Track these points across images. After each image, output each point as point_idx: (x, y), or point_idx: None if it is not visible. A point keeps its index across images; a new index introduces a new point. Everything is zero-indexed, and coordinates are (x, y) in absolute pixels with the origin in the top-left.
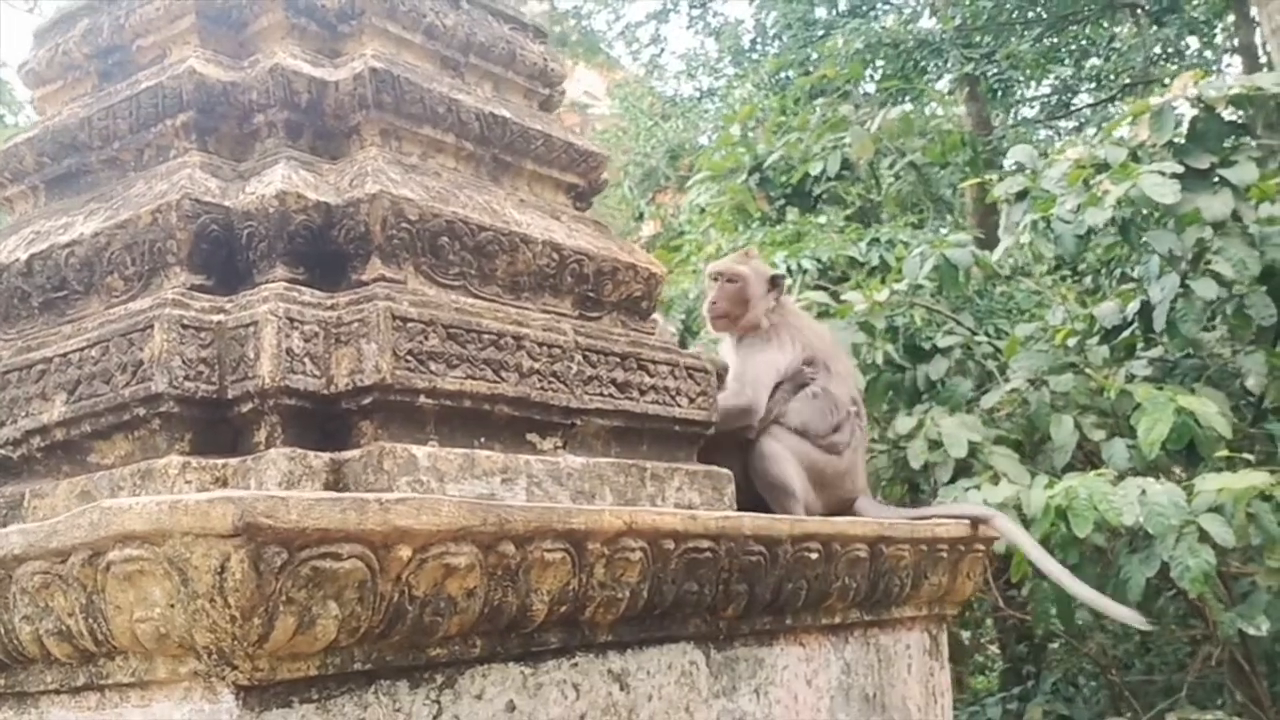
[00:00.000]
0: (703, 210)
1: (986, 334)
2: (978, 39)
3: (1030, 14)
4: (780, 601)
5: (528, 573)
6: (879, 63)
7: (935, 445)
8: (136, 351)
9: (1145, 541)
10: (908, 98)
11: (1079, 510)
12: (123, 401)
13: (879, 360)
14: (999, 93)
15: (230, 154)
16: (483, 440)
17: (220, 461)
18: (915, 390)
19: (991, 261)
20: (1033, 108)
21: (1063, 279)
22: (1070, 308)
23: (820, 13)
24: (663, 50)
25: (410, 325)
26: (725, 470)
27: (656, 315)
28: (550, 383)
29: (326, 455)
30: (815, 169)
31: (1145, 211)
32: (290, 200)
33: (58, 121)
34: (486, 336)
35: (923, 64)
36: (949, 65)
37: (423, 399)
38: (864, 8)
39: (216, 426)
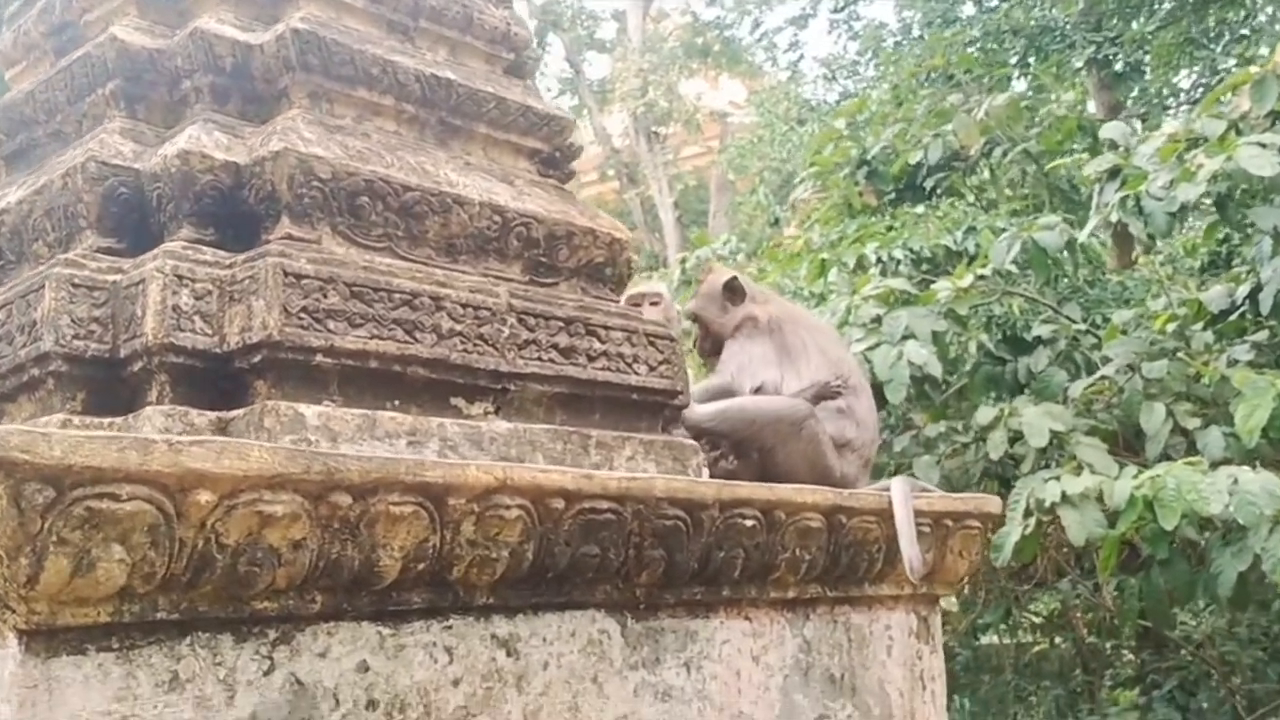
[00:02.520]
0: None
1: (1094, 325)
2: (1106, 23)
3: None
4: (711, 571)
5: (371, 526)
6: (1001, 48)
7: (1019, 437)
8: (31, 312)
9: (1239, 534)
10: (1025, 84)
11: (1166, 501)
12: (20, 362)
13: (972, 350)
14: (1130, 78)
15: (161, 121)
16: (396, 403)
17: (105, 420)
18: (1016, 383)
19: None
20: (1175, 97)
21: (1174, 267)
22: (1177, 293)
23: (966, 10)
24: (801, 56)
25: (306, 282)
26: (691, 442)
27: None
28: (476, 346)
29: (212, 414)
30: (915, 158)
31: (1244, 187)
32: (195, 160)
33: (8, 99)
34: (398, 296)
35: (1047, 50)
36: (1075, 51)
37: (320, 358)
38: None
39: (112, 386)
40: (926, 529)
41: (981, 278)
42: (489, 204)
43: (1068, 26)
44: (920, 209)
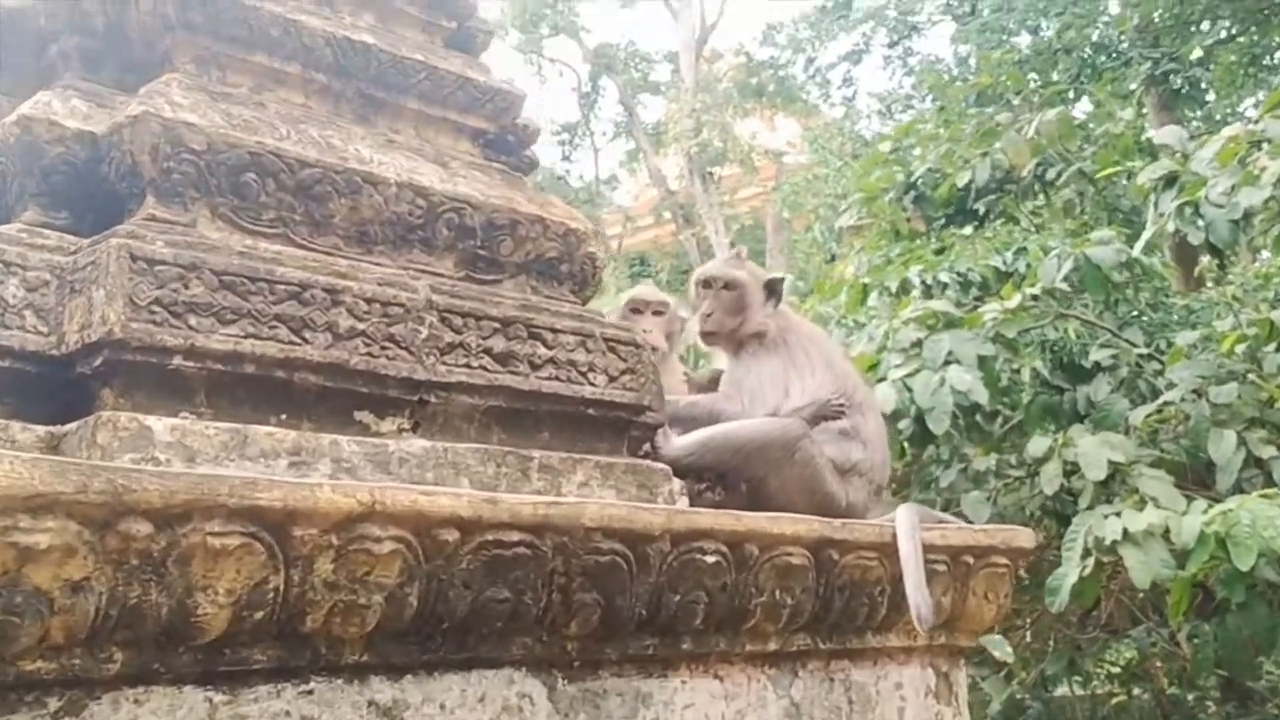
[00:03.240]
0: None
1: (1158, 350)
2: (1163, 39)
3: (1220, 12)
4: (665, 619)
5: (183, 564)
6: (1052, 69)
7: (1076, 470)
8: None
9: None
10: (1079, 104)
11: (1240, 538)
12: None
13: (1025, 377)
14: (1190, 98)
15: (29, 92)
16: (284, 417)
17: None
18: (1076, 413)
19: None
20: (1241, 120)
21: (1243, 289)
22: (1247, 314)
23: (1022, 40)
24: (855, 93)
25: (161, 269)
26: (661, 465)
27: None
28: (385, 349)
29: (42, 428)
30: (963, 179)
31: None
32: (40, 129)
33: None
34: (283, 288)
35: (1101, 69)
36: (1131, 69)
37: (179, 361)
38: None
39: None
40: (942, 567)
41: (1034, 299)
42: (410, 185)
43: (1123, 44)
44: (968, 231)
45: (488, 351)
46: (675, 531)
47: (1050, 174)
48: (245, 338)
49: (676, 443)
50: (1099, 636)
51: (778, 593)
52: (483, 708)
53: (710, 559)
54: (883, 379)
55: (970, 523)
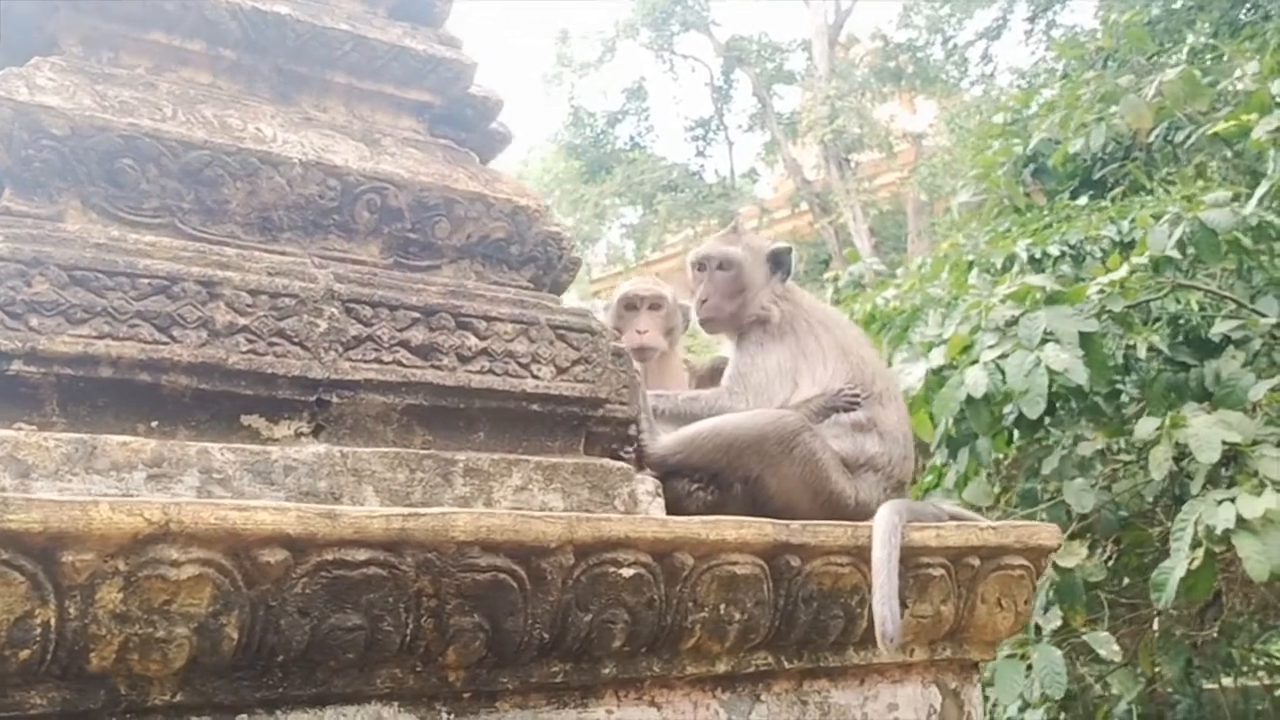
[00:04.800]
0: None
1: None
2: None
3: None
4: (575, 641)
5: None
6: (1185, 28)
7: (1187, 454)
8: None
9: None
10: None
11: None
12: None
13: (1142, 354)
14: None
15: None
16: (154, 424)
17: None
18: (1203, 391)
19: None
20: None
21: None
22: None
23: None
24: (994, 70)
25: None
26: (619, 464)
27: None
28: (274, 345)
29: None
30: (1075, 146)
31: None
32: None
33: None
34: (147, 282)
35: (1238, 24)
36: (1273, 22)
37: (19, 366)
38: None
39: None
40: (939, 571)
41: (1143, 269)
42: (320, 165)
43: None
44: (1082, 201)
45: (404, 344)
46: (579, 542)
47: (1179, 137)
48: (99, 338)
49: (663, 440)
50: (1211, 633)
51: (723, 607)
52: None
53: (627, 572)
54: (975, 362)
55: (1072, 512)
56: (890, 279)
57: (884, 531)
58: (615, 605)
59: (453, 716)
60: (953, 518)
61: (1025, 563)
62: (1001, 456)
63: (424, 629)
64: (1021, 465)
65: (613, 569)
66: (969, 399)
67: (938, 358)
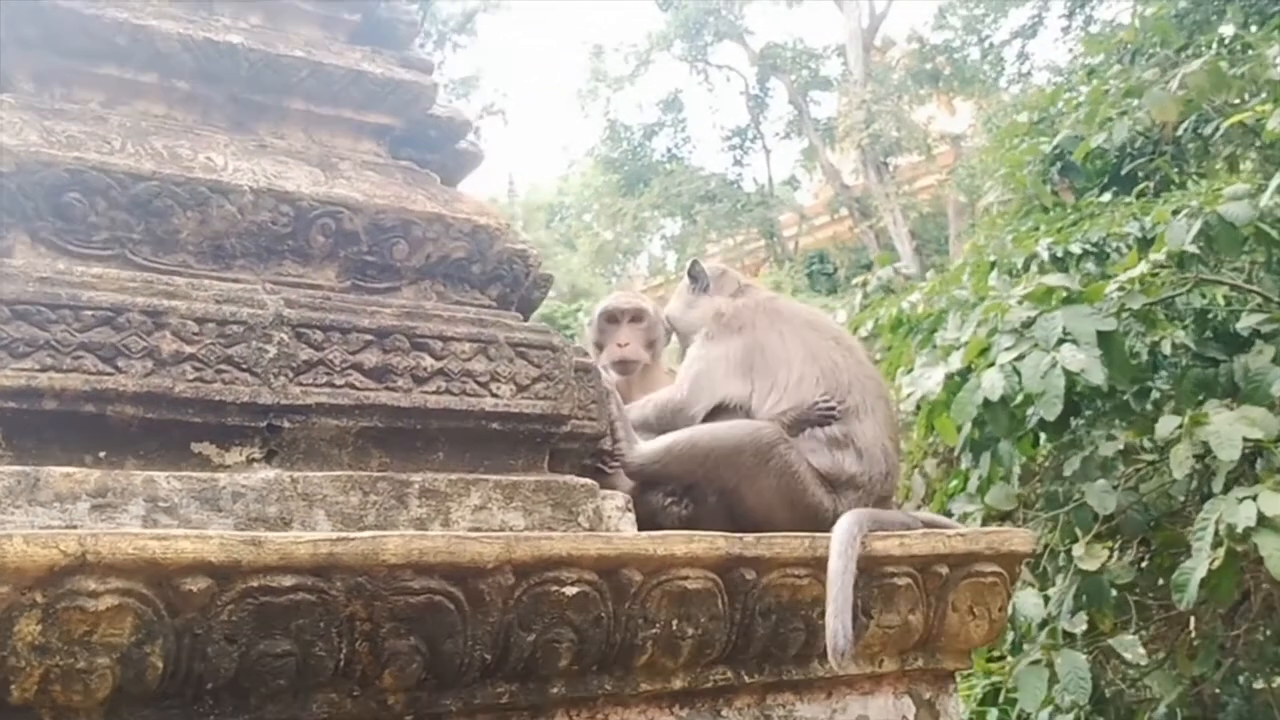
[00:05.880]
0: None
1: None
2: None
3: None
4: (519, 662)
5: None
6: (1214, 19)
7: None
8: None
9: None
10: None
11: None
12: None
13: (1166, 351)
14: None
15: None
16: (101, 455)
17: None
18: (1233, 386)
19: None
20: None
21: None
22: None
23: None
24: (1030, 70)
25: None
26: (584, 481)
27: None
28: (222, 373)
29: None
30: (1097, 140)
31: None
32: None
33: None
34: (91, 314)
35: (1266, 13)
36: None
37: None
38: None
39: None
40: (905, 580)
41: (1163, 266)
42: (271, 192)
43: None
44: (1106, 198)
45: (357, 367)
46: (518, 562)
47: (1208, 130)
48: (42, 371)
49: (640, 448)
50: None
51: (675, 623)
52: None
53: (571, 590)
54: (992, 364)
55: (1096, 514)
56: (916, 283)
57: (841, 542)
58: (560, 624)
59: None
60: (926, 524)
61: (998, 569)
62: (1028, 459)
63: (358, 653)
64: (1047, 468)
65: (555, 588)
66: (986, 402)
67: (956, 361)
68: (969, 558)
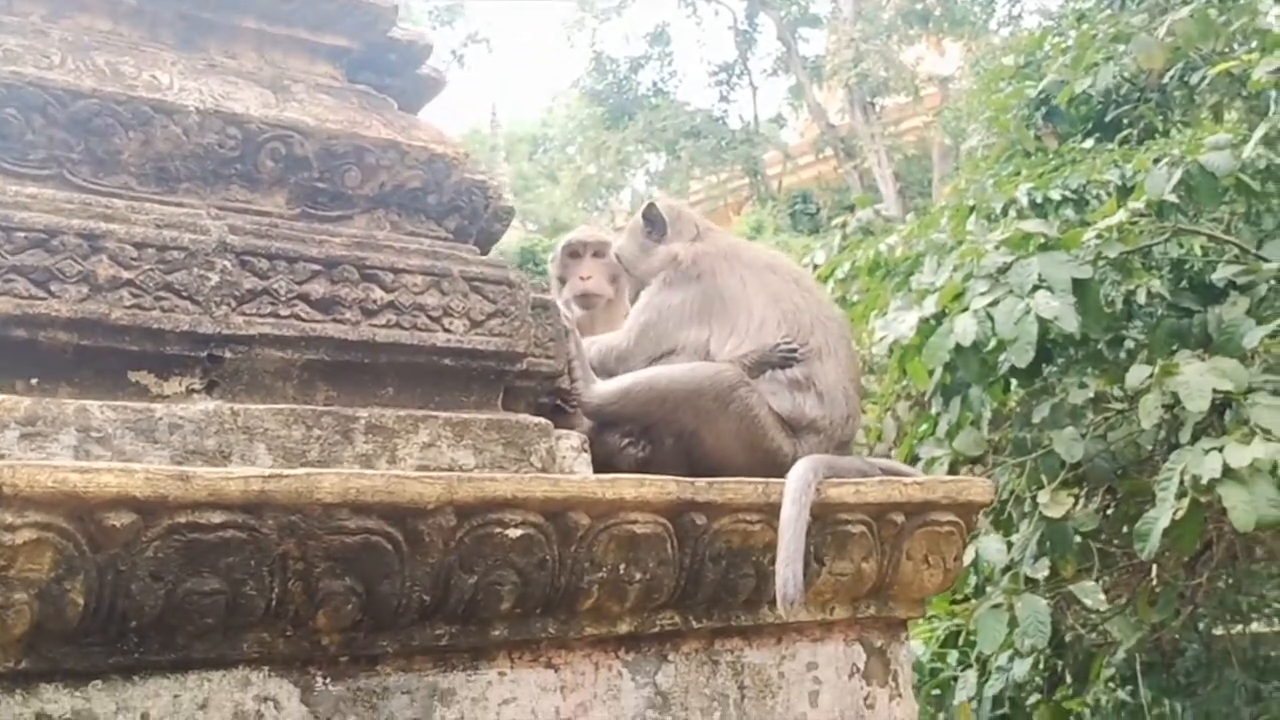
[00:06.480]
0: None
1: None
2: None
3: None
4: (459, 604)
5: None
6: None
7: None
8: None
9: None
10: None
11: None
12: None
13: (1141, 300)
14: None
15: None
16: (34, 381)
17: None
18: (1206, 337)
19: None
20: None
21: None
22: None
23: None
24: (1021, 12)
25: None
26: (538, 420)
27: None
28: (161, 300)
29: None
30: (1082, 85)
31: None
32: None
33: None
34: (23, 236)
35: None
36: None
37: None
38: None
39: None
40: (860, 528)
41: (1142, 214)
42: (218, 113)
43: None
44: (1089, 144)
45: (303, 298)
46: (461, 503)
47: (1194, 79)
48: None
49: (598, 388)
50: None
51: (623, 567)
52: (205, 716)
53: (515, 533)
54: (965, 309)
55: (1064, 461)
56: (896, 225)
57: (795, 488)
58: (503, 567)
59: (329, 680)
60: (885, 472)
61: (955, 519)
62: (998, 405)
63: (291, 593)
64: (1017, 414)
65: (499, 530)
66: (958, 348)
67: (930, 305)
68: (925, 506)
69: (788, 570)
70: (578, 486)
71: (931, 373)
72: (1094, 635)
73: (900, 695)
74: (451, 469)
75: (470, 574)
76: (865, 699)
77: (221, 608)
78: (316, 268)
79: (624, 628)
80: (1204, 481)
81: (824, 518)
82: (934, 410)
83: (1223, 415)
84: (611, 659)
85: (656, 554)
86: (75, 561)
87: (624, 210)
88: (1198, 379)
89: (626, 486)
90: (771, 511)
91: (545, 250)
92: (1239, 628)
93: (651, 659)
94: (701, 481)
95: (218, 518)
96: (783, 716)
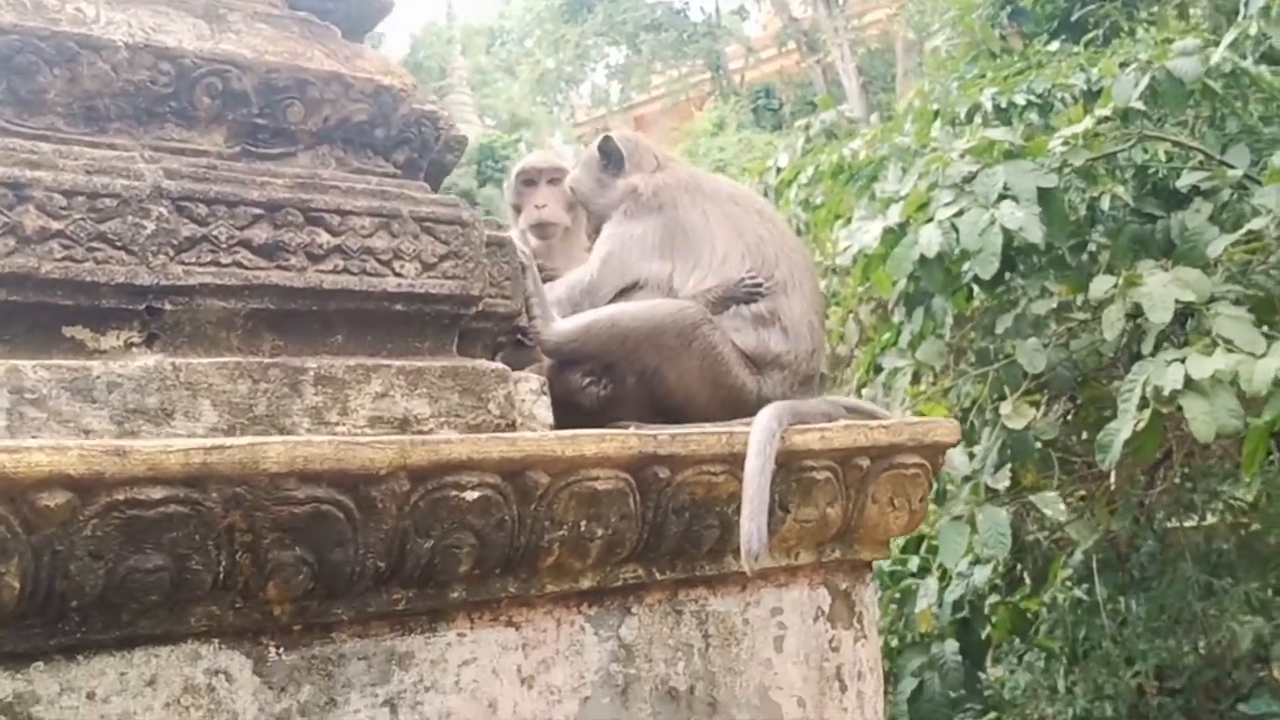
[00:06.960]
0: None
1: (1263, 171)
2: None
3: None
4: (416, 569)
5: None
6: None
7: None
8: None
9: None
10: None
11: None
12: None
13: (1105, 207)
14: None
15: None
16: None
17: None
18: (1169, 244)
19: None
20: None
21: None
22: None
23: None
24: None
25: None
26: (496, 366)
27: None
28: (94, 251)
29: None
30: None
31: None
32: None
33: None
34: None
35: None
36: None
37: None
38: None
39: None
40: (825, 474)
41: (1107, 120)
42: (149, 48)
43: None
44: (1054, 46)
45: (245, 244)
46: (415, 467)
47: None
48: None
49: (557, 326)
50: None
51: (584, 524)
52: (153, 692)
53: (472, 495)
54: (930, 220)
55: (1026, 371)
56: (859, 128)
57: (760, 439)
58: (460, 529)
59: (282, 650)
60: (850, 411)
61: (920, 460)
62: (961, 313)
63: (239, 565)
64: (980, 323)
65: (455, 493)
66: (923, 259)
67: (895, 215)
68: (891, 449)
69: (752, 524)
70: (536, 445)
71: (895, 282)
72: (1053, 539)
73: (865, 636)
74: (406, 420)
75: (426, 538)
76: (830, 641)
77: (166, 584)
78: (258, 212)
79: (586, 583)
80: (1166, 393)
81: (789, 465)
82: (897, 319)
83: (1184, 325)
84: (574, 614)
85: (619, 509)
86: (8, 544)
87: (584, 105)
88: (1161, 290)
89: (587, 443)
90: (736, 462)
91: (504, 146)
92: (1193, 520)
93: (615, 612)
94: (664, 434)
95: (158, 493)
96: (747, 663)
